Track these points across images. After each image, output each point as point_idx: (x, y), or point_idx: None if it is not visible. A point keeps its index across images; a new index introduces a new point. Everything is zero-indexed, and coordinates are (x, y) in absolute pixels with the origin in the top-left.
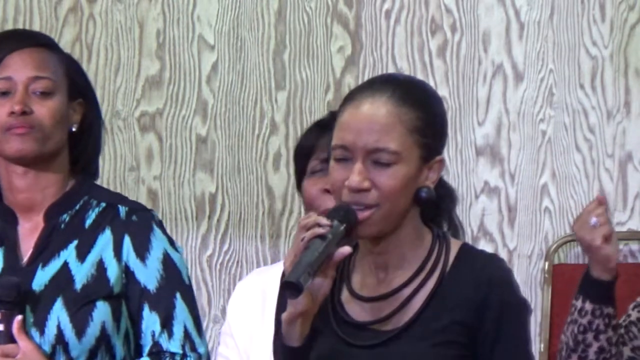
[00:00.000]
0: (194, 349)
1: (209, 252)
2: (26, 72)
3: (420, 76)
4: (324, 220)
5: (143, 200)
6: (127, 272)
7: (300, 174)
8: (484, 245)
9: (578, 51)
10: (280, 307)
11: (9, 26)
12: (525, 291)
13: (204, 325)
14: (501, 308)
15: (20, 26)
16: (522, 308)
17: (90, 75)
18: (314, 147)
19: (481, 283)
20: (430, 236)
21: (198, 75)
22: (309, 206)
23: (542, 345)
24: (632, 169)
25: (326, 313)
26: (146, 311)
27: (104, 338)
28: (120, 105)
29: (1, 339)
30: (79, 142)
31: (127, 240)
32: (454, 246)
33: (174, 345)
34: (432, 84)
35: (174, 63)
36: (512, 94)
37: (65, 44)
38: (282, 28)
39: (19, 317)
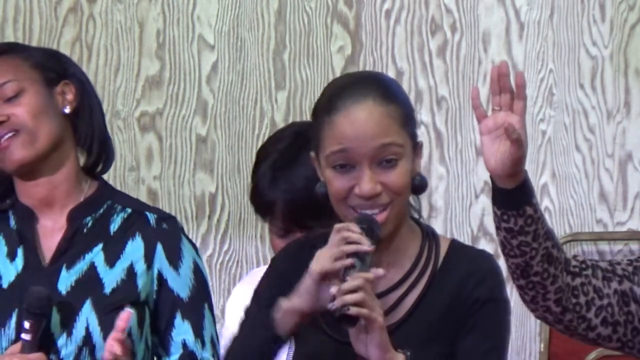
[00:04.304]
0: (219, 358)
1: (209, 252)
2: None
3: (420, 76)
4: (364, 240)
5: (143, 200)
6: (160, 280)
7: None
8: (484, 245)
9: (578, 51)
10: (266, 284)
11: (9, 26)
12: None
13: None
14: (485, 303)
15: (20, 26)
16: (505, 306)
17: (90, 75)
18: (273, 207)
19: (470, 278)
20: (420, 232)
21: (198, 75)
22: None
23: (542, 345)
24: (632, 169)
25: None
26: (178, 319)
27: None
28: (120, 105)
29: (27, 349)
30: (80, 123)
31: (159, 248)
32: (444, 243)
33: (206, 354)
34: (432, 84)
35: (174, 63)
36: None
37: (65, 44)
38: (282, 28)
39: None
